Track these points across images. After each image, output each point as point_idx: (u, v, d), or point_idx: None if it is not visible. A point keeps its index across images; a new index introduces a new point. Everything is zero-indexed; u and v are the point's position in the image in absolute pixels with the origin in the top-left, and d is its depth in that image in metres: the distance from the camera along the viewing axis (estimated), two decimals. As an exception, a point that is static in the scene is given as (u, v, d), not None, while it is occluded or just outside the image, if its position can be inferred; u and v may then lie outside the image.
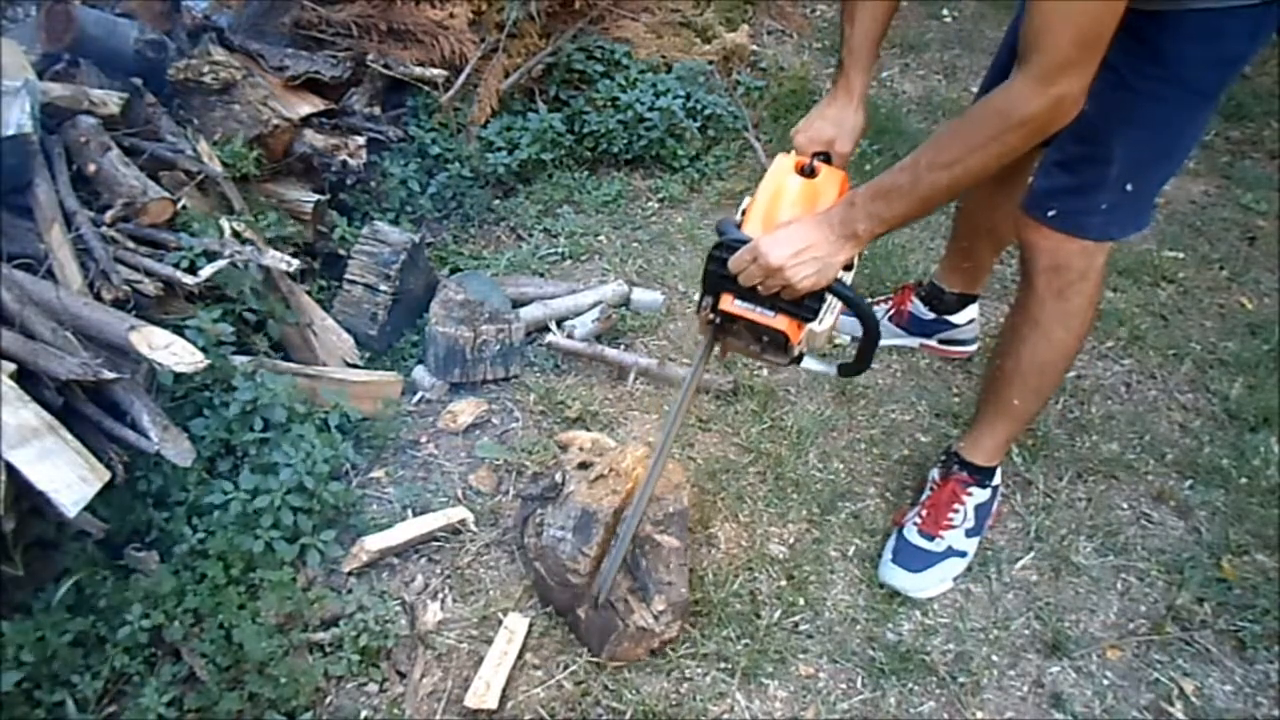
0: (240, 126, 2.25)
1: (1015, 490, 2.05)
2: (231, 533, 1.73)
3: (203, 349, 1.73)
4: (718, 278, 1.44)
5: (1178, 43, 1.41)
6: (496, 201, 2.83)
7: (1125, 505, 2.05)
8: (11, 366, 1.55)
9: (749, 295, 1.44)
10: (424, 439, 2.11)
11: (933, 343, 2.39)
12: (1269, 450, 2.15)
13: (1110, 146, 1.51)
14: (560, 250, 2.67)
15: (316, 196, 2.32)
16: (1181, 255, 2.80)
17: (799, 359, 1.52)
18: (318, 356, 2.11)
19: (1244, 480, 2.09)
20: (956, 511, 1.87)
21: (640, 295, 2.45)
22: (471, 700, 1.59)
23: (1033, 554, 1.93)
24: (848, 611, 1.81)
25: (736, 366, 2.30)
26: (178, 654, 1.62)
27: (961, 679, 1.71)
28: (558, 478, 1.80)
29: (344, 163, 2.43)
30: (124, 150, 1.99)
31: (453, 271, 2.51)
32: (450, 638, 1.73)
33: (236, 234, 2.00)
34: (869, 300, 2.45)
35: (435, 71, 2.72)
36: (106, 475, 1.52)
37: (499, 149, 2.81)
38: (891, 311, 2.39)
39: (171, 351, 1.67)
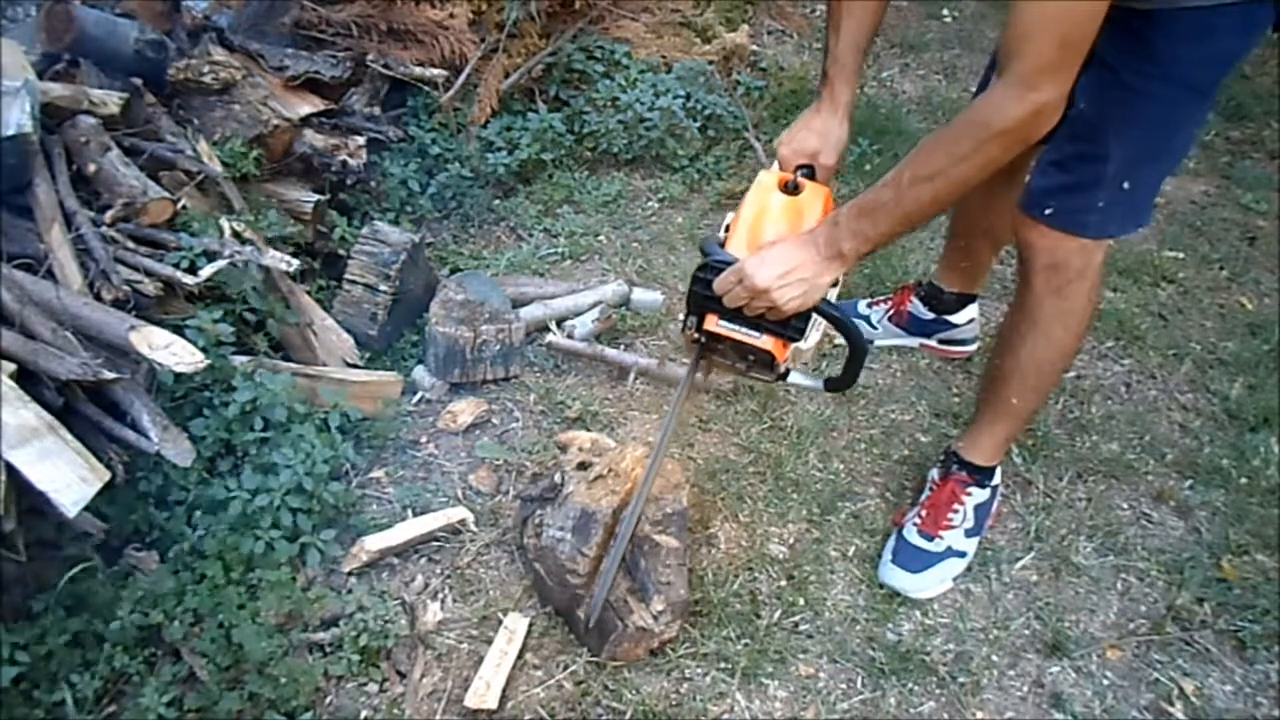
0: (240, 126, 2.25)
1: (1015, 490, 2.05)
2: (231, 533, 1.73)
3: (203, 349, 1.73)
4: (702, 298, 1.43)
5: (1172, 41, 1.41)
6: (496, 201, 2.83)
7: (1125, 505, 2.05)
8: (11, 366, 1.55)
9: (734, 316, 1.43)
10: (424, 439, 2.11)
11: (932, 343, 2.39)
12: (1269, 450, 2.15)
13: (1106, 145, 1.51)
14: (560, 250, 2.67)
15: (316, 196, 2.32)
16: (1181, 255, 2.80)
17: (785, 375, 1.51)
18: (318, 356, 2.11)
19: (1244, 480, 2.09)
20: (956, 512, 1.87)
21: (640, 295, 2.45)
22: (471, 700, 1.59)
23: (1033, 554, 1.93)
24: (848, 611, 1.81)
25: (736, 366, 2.30)
26: (177, 654, 1.63)
27: (961, 679, 1.71)
28: (557, 478, 1.80)
29: (344, 163, 2.43)
30: (124, 150, 1.99)
31: (453, 271, 2.51)
32: (450, 638, 1.73)
33: (236, 234, 2.00)
34: (867, 300, 2.45)
35: (435, 71, 2.72)
36: (106, 475, 1.52)
37: (499, 149, 2.81)
38: (891, 311, 2.39)
39: (171, 351, 1.67)
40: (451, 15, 2.83)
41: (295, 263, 2.01)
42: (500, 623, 1.72)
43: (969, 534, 1.88)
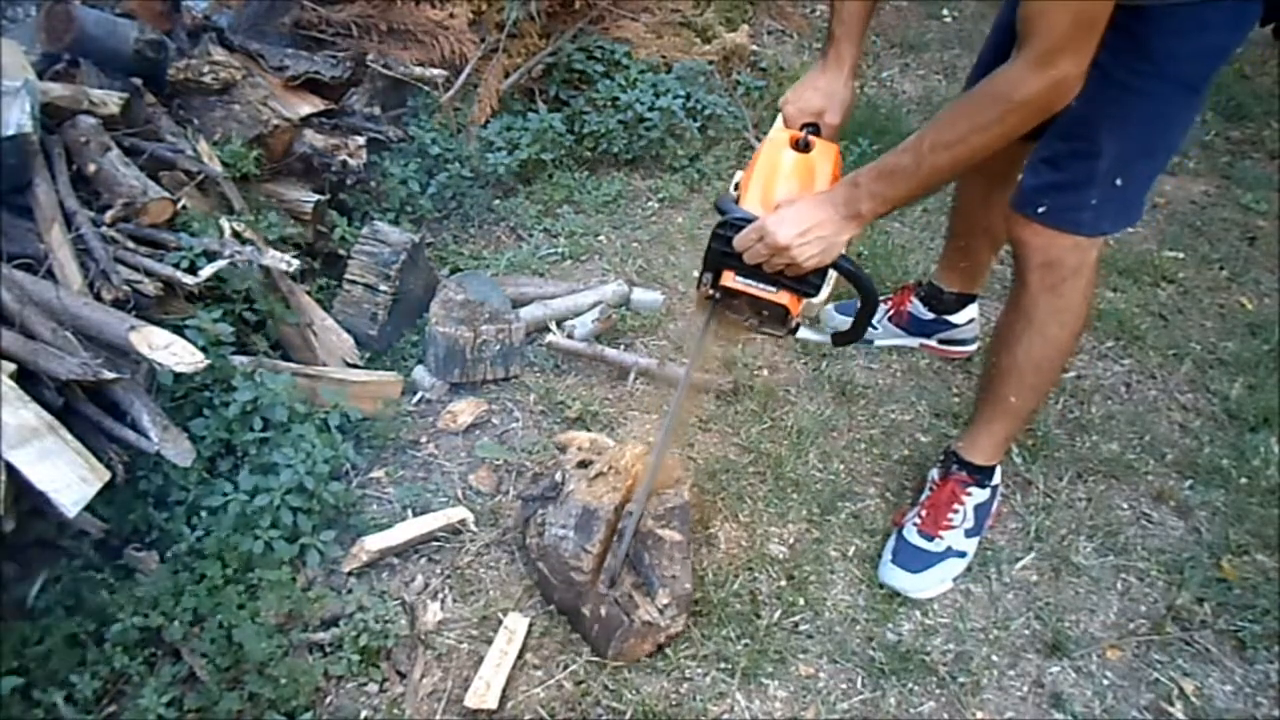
0: (240, 126, 2.25)
1: (1015, 490, 2.05)
2: (231, 533, 1.73)
3: (203, 349, 1.73)
4: (721, 255, 1.46)
5: (1163, 37, 1.42)
6: (496, 201, 2.83)
7: (1125, 505, 2.05)
8: (11, 366, 1.55)
9: (751, 272, 1.46)
10: (424, 439, 2.11)
11: (932, 343, 2.39)
12: (1269, 450, 2.15)
13: (1098, 142, 1.52)
14: (560, 250, 2.67)
15: (316, 196, 2.32)
16: (1181, 255, 2.80)
17: (795, 330, 1.54)
18: (318, 356, 2.11)
19: (1244, 480, 2.09)
20: (956, 512, 1.87)
21: (640, 295, 2.45)
22: (471, 700, 1.59)
23: (1033, 554, 1.93)
24: (848, 611, 1.81)
25: (737, 367, 2.30)
26: (177, 654, 1.62)
27: (961, 679, 1.71)
28: (558, 477, 1.80)
29: (344, 163, 2.43)
30: (124, 150, 1.99)
31: (453, 271, 2.51)
32: (450, 638, 1.73)
33: (236, 234, 2.00)
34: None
35: (435, 71, 2.72)
36: (106, 475, 1.52)
37: (499, 149, 2.81)
38: (891, 312, 2.39)
39: (171, 351, 1.67)
40: (451, 15, 2.83)
41: (295, 263, 2.01)
42: (500, 623, 1.72)
43: (969, 534, 1.88)
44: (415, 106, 2.79)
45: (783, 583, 1.85)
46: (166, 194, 1.94)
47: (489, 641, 1.69)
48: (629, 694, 1.63)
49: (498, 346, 2.20)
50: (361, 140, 2.49)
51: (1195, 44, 1.43)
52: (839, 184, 1.43)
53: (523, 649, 1.69)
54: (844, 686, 1.70)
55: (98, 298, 1.76)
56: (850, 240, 1.42)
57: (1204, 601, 1.85)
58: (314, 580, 1.78)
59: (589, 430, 2.10)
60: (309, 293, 2.21)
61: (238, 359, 1.90)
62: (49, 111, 1.95)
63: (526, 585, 1.81)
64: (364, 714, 1.61)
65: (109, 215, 1.88)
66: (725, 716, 1.64)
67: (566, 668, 1.68)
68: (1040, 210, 1.60)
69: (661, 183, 2.94)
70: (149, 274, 1.83)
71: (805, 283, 1.45)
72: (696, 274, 1.53)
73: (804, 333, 1.57)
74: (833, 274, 1.46)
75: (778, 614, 1.79)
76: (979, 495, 1.89)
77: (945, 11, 4.08)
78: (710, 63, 3.20)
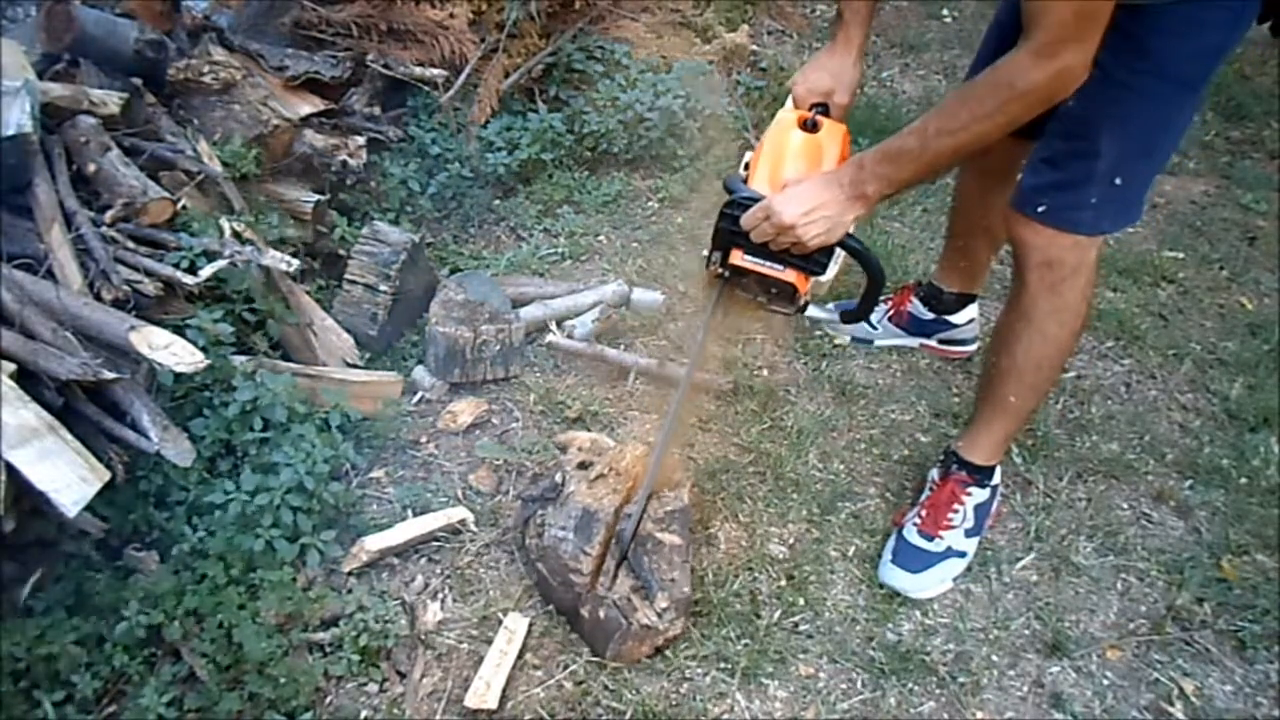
0: (240, 126, 2.25)
1: (1015, 490, 2.05)
2: (231, 533, 1.73)
3: (203, 349, 1.73)
4: (729, 234, 1.48)
5: (1160, 36, 1.42)
6: (496, 201, 2.83)
7: (1125, 505, 2.05)
8: (11, 366, 1.55)
9: (758, 250, 1.47)
10: (424, 439, 2.11)
11: (932, 343, 2.39)
12: (1269, 450, 2.15)
13: (1097, 141, 1.52)
14: (560, 250, 2.67)
15: (316, 196, 2.32)
16: (1181, 255, 2.80)
17: (804, 308, 1.56)
18: (318, 356, 2.11)
19: (1244, 480, 2.09)
20: (956, 511, 1.87)
21: (640, 295, 2.45)
22: (471, 700, 1.59)
23: (1033, 554, 1.93)
24: (848, 611, 1.81)
25: (737, 367, 2.30)
26: (177, 654, 1.62)
27: (961, 679, 1.71)
28: (558, 478, 1.80)
29: (344, 163, 2.43)
30: (124, 150, 1.99)
31: (453, 271, 2.51)
32: (450, 638, 1.73)
33: (236, 234, 2.00)
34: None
35: (435, 71, 2.72)
36: (106, 475, 1.52)
37: (499, 149, 2.81)
38: (891, 311, 2.39)
39: (171, 351, 1.67)
40: (451, 15, 2.83)
41: (295, 263, 2.01)
42: (500, 623, 1.72)
43: (969, 534, 1.88)
44: (415, 106, 2.79)
45: (783, 583, 1.85)
46: (166, 194, 1.94)
47: (489, 641, 1.69)
48: (629, 694, 1.63)
49: (498, 346, 2.20)
50: (361, 140, 2.49)
51: (1193, 43, 1.43)
52: (845, 164, 1.45)
53: (523, 649, 1.69)
54: (844, 686, 1.70)
55: (98, 298, 1.76)
56: (856, 219, 1.43)
57: (1204, 601, 1.85)
58: (314, 580, 1.78)
59: (589, 430, 2.10)
60: (309, 293, 2.21)
61: (238, 359, 1.90)
62: (49, 111, 1.95)
63: (526, 585, 1.81)
64: (364, 714, 1.61)
65: (109, 215, 1.88)
66: (725, 716, 1.64)
67: (566, 668, 1.68)
68: (1040, 209, 1.60)
69: (661, 183, 2.94)
70: (149, 274, 1.83)
71: (812, 261, 1.47)
72: (704, 253, 1.54)
73: (813, 310, 1.59)
74: (840, 252, 1.48)
75: (778, 614, 1.79)
76: (979, 495, 1.89)
77: (945, 11, 4.08)
78: (710, 63, 3.20)
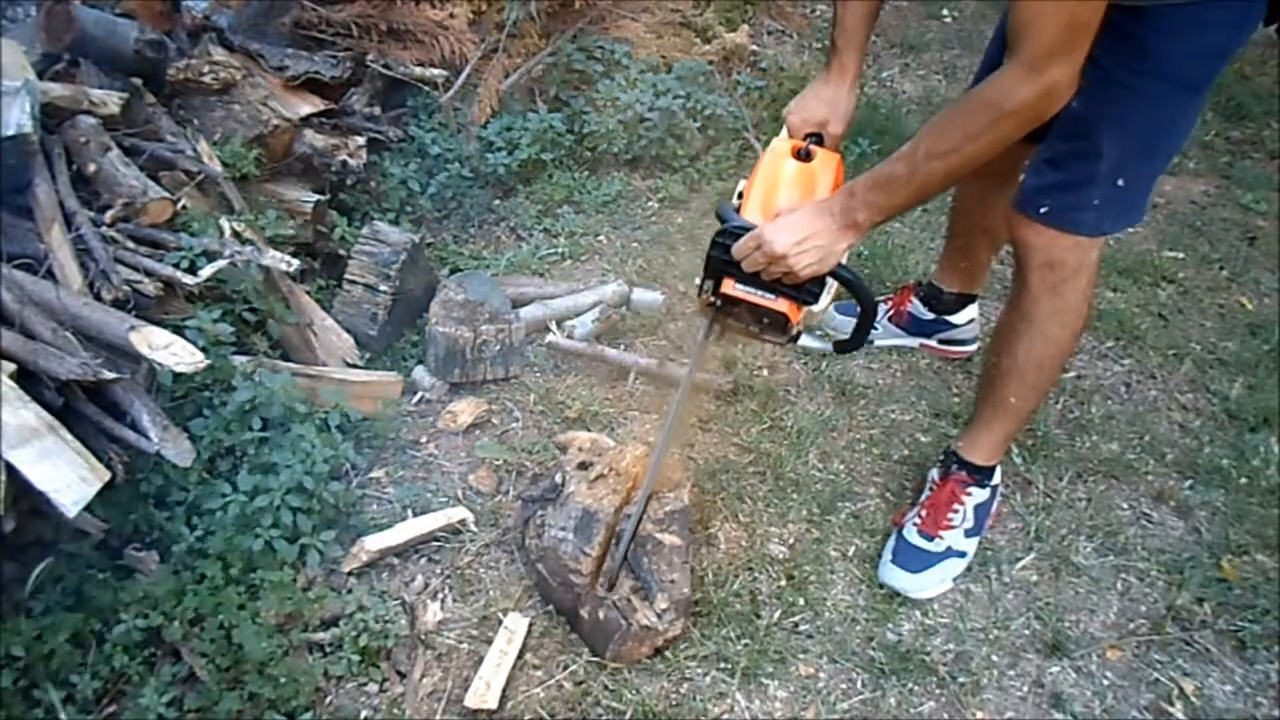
0: (240, 126, 2.25)
1: (1015, 490, 2.05)
2: (231, 533, 1.73)
3: (203, 349, 1.73)
4: (721, 263, 1.47)
5: (1162, 37, 1.42)
6: (496, 201, 2.83)
7: (1125, 505, 2.05)
8: (11, 366, 1.55)
9: (750, 280, 1.47)
10: (424, 439, 2.11)
11: (932, 343, 2.39)
12: (1269, 450, 2.15)
13: (1099, 142, 1.52)
14: (560, 250, 2.67)
15: (316, 196, 2.32)
16: (1181, 255, 2.80)
17: (796, 337, 1.55)
18: (318, 356, 2.11)
19: (1244, 480, 2.09)
20: (956, 512, 1.87)
21: (640, 295, 2.45)
22: (471, 700, 1.59)
23: (1033, 554, 1.93)
24: (848, 611, 1.81)
25: (737, 367, 2.30)
26: (177, 654, 1.63)
27: (961, 679, 1.71)
28: (558, 478, 1.80)
29: (344, 163, 2.43)
30: (124, 150, 1.99)
31: (453, 271, 2.51)
32: (450, 638, 1.73)
33: (236, 234, 2.00)
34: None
35: (435, 71, 2.72)
36: (106, 475, 1.52)
37: (499, 149, 2.81)
38: (891, 312, 2.39)
39: (171, 351, 1.67)
40: (451, 15, 2.83)
41: (295, 263, 2.01)
42: (500, 623, 1.72)
43: (969, 534, 1.88)
44: (415, 106, 2.79)
45: (783, 583, 1.85)
46: (166, 194, 1.94)
47: (489, 641, 1.69)
48: (629, 694, 1.63)
49: (498, 346, 2.20)
50: (361, 140, 2.49)
51: (1195, 44, 1.42)
52: (836, 193, 1.43)
53: (523, 649, 1.69)
54: (844, 686, 1.70)
55: (98, 298, 1.76)
56: (848, 248, 1.42)
57: (1204, 601, 1.85)
58: (314, 580, 1.78)
59: (589, 430, 2.10)
60: (309, 293, 2.21)
61: (238, 359, 1.90)
62: (49, 111, 1.95)
63: (526, 585, 1.81)
64: (364, 714, 1.61)
65: (109, 215, 1.88)
66: (725, 716, 1.64)
67: (566, 668, 1.68)
68: (1042, 210, 1.60)
69: (661, 183, 2.94)
70: (149, 274, 1.83)
71: (804, 291, 1.46)
72: (698, 281, 1.53)
73: (805, 341, 1.58)
74: (832, 282, 1.47)
75: (778, 614, 1.79)
76: (979, 495, 1.89)
77: (945, 11, 4.08)
78: (710, 63, 3.20)
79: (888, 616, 1.80)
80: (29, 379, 1.57)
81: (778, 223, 1.41)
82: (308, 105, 2.47)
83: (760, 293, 1.48)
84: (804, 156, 1.55)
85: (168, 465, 1.68)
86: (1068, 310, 1.68)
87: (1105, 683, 1.72)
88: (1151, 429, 2.22)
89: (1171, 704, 1.69)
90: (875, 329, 2.40)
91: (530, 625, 1.72)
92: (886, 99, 3.47)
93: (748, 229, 1.42)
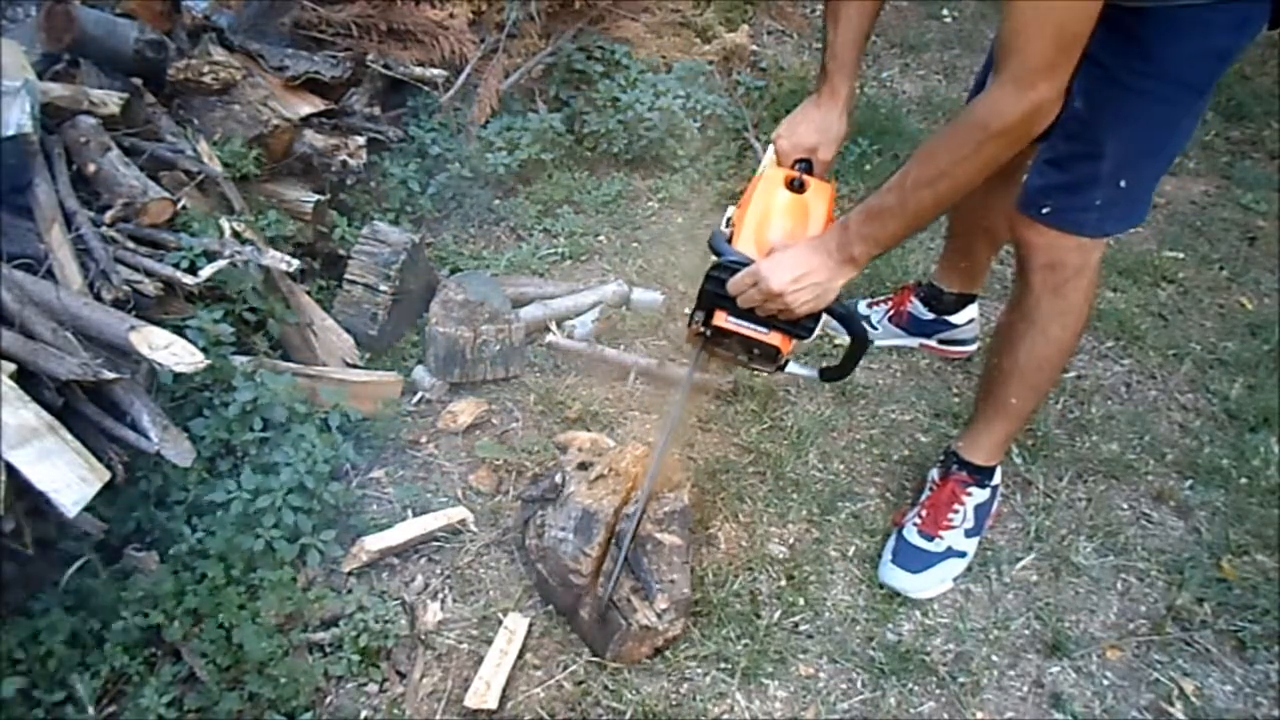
0: (240, 126, 2.25)
1: (1015, 490, 2.05)
2: (231, 533, 1.73)
3: (203, 349, 1.73)
4: (715, 296, 1.47)
5: (1166, 38, 1.41)
6: (496, 201, 2.83)
7: (1125, 505, 2.05)
8: (11, 366, 1.55)
9: (743, 313, 1.47)
10: (424, 439, 2.11)
11: (932, 343, 2.39)
12: (1269, 450, 2.15)
13: (1102, 143, 1.51)
14: (560, 250, 2.67)
15: (316, 196, 2.32)
16: (1181, 255, 2.80)
17: (784, 367, 1.55)
18: (318, 356, 2.11)
19: (1244, 480, 2.09)
20: (956, 512, 1.87)
21: (640, 295, 2.45)
22: (471, 700, 1.59)
23: (1033, 554, 1.93)
24: (848, 611, 1.81)
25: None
26: (177, 654, 1.62)
27: (961, 679, 1.71)
28: (558, 479, 1.80)
29: (344, 163, 2.43)
30: (124, 150, 1.99)
31: (453, 271, 2.51)
32: (450, 638, 1.73)
33: (236, 234, 2.00)
34: (867, 300, 2.46)
35: (435, 71, 2.72)
36: (106, 475, 1.52)
37: (499, 149, 2.81)
38: (891, 312, 2.39)
39: (171, 351, 1.67)
40: (451, 15, 2.83)
41: (295, 263, 2.01)
42: (500, 623, 1.72)
43: (969, 534, 1.88)
44: (415, 106, 2.79)
45: (783, 583, 1.85)
46: (166, 194, 1.94)
47: (489, 641, 1.70)
48: (629, 694, 1.63)
49: (498, 346, 2.20)
50: (361, 140, 2.49)
51: (1198, 46, 1.42)
52: (831, 228, 1.43)
53: (523, 649, 1.69)
54: (844, 686, 1.70)
55: (98, 298, 1.76)
56: (845, 284, 1.42)
57: (1204, 601, 1.85)
58: (314, 580, 1.78)
59: (589, 430, 2.10)
60: (309, 293, 2.21)
61: (238, 359, 1.90)
62: (49, 111, 1.95)
63: (526, 585, 1.81)
64: (364, 714, 1.61)
65: (109, 215, 1.88)
66: (725, 717, 1.64)
67: (566, 668, 1.68)
68: (1044, 211, 1.60)
69: (661, 183, 2.94)
70: (149, 274, 1.83)
71: (798, 325, 1.46)
72: (688, 311, 1.54)
73: (792, 368, 1.58)
74: (825, 315, 1.47)
75: (778, 614, 1.79)
76: (979, 495, 1.89)
77: (945, 11, 4.08)
78: (710, 63, 3.20)
79: (888, 616, 1.80)
80: (29, 379, 1.57)
81: (774, 260, 1.40)
82: (308, 105, 2.47)
83: (753, 326, 1.48)
84: (797, 187, 1.53)
85: (168, 465, 1.68)
86: (1069, 311, 1.68)
87: (1105, 683, 1.72)
88: (1151, 429, 2.22)
89: (1171, 704, 1.69)
90: (875, 328, 2.40)
91: (530, 625, 1.72)
92: (886, 99, 3.47)
93: (743, 264, 1.42)
